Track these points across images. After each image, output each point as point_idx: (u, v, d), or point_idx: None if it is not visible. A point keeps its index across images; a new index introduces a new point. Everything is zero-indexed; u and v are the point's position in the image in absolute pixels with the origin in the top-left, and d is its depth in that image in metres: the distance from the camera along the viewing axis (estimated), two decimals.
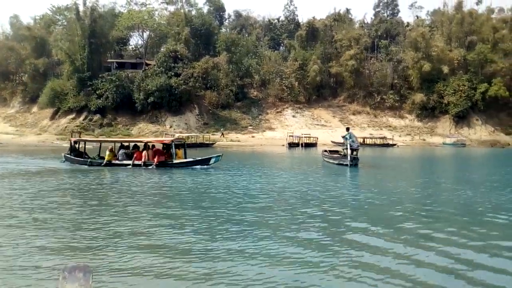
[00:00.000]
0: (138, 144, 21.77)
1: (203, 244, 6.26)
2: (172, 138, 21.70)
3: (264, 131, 65.13)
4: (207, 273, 5.06)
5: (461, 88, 70.52)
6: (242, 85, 73.49)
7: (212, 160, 20.04)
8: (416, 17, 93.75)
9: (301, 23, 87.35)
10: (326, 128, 68.12)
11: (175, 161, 19.69)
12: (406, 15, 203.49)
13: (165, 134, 50.63)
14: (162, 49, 70.25)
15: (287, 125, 67.88)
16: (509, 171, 20.92)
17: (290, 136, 52.85)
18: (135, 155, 19.70)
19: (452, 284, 4.89)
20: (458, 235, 6.88)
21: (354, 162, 21.22)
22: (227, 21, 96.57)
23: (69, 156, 21.42)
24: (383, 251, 6.02)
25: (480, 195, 11.60)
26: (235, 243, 6.34)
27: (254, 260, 5.59)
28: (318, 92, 77.20)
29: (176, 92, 61.71)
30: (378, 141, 59.34)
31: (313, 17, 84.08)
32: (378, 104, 75.71)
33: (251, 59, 75.20)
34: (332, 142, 53.17)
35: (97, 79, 63.39)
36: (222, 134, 58.96)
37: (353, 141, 21.58)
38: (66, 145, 46.04)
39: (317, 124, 69.82)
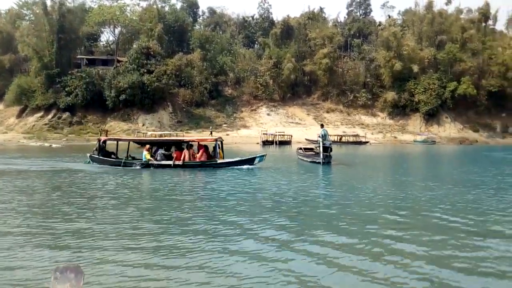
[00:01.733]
0: (179, 143, 20.20)
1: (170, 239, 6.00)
2: (216, 137, 20.04)
3: (239, 129, 64.90)
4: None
5: (431, 87, 72.31)
6: (217, 83, 72.95)
7: (257, 160, 19.06)
8: (388, 17, 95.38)
9: (276, 21, 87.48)
10: (301, 126, 68.46)
11: (219, 161, 18.66)
12: (378, 15, 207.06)
13: (137, 132, 49.69)
14: (134, 46, 68.86)
15: (262, 123, 67.88)
16: (477, 168, 21.40)
17: (264, 134, 52.88)
18: (175, 155, 18.43)
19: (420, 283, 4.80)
20: (422, 233, 6.86)
21: (327, 160, 21.22)
22: (201, 18, 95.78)
23: (96, 156, 19.38)
24: (347, 249, 5.92)
25: (449, 192, 11.74)
26: (197, 242, 6.11)
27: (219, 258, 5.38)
28: (293, 90, 77.59)
29: (148, 89, 60.63)
30: (351, 139, 60.08)
31: (288, 16, 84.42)
32: (351, 102, 76.73)
33: (226, 57, 74.74)
34: (307, 139, 53.38)
35: (66, 76, 61.56)
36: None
37: (325, 139, 21.61)
38: (34, 144, 44.86)
39: (292, 122, 70.12)
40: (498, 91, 72.81)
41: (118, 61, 68.19)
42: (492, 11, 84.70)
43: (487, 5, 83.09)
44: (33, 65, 64.92)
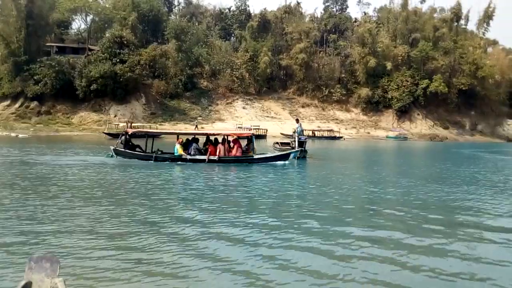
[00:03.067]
0: (212, 137, 19.28)
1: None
2: (251, 132, 18.99)
3: (214, 122, 64.29)
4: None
5: (404, 84, 73.72)
6: (192, 75, 71.87)
7: (291, 156, 18.67)
8: (363, 13, 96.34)
9: (253, 14, 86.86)
10: (276, 120, 68.45)
11: (255, 156, 18.07)
12: (354, 11, 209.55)
13: (109, 123, 48.41)
14: (106, 34, 66.90)
15: (237, 117, 67.49)
16: (447, 165, 21.79)
17: (239, 127, 52.47)
18: (209, 150, 17.64)
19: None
20: (392, 230, 6.76)
21: (302, 154, 21.20)
22: (176, 8, 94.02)
23: (122, 150, 18.16)
24: (317, 248, 5.74)
25: (421, 189, 11.78)
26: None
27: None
28: (269, 84, 77.51)
29: (121, 79, 59.05)
30: (325, 134, 60.53)
31: (265, 9, 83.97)
32: (326, 97, 77.26)
33: (201, 48, 73.72)
34: (282, 134, 53.43)
35: (35, 64, 59.06)
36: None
37: (300, 134, 21.61)
38: (6, 133, 42.97)
39: (267, 116, 70.02)
40: (468, 90, 74.93)
41: (90, 50, 66.13)
42: (464, 11, 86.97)
43: (459, 5, 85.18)
44: (0, 52, 62.14)
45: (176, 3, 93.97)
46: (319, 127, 64.87)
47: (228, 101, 72.48)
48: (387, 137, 65.67)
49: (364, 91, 74.80)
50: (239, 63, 74.43)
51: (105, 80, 58.11)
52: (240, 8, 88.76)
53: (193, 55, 71.37)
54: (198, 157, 17.44)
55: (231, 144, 18.38)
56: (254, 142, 18.23)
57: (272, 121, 67.31)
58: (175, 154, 17.53)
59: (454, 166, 20.57)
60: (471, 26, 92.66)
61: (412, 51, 76.40)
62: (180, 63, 68.01)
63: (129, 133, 18.89)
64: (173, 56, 66.60)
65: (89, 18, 73.01)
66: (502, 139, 76.32)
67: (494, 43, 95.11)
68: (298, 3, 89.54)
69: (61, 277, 2.83)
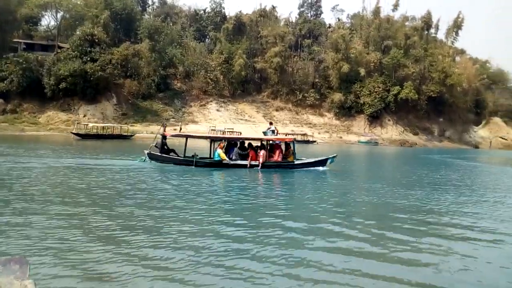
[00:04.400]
0: (253, 142, 18.60)
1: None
2: (293, 137, 18.32)
3: (187, 124, 63.39)
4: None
5: (376, 90, 75.07)
6: (165, 76, 70.84)
7: (328, 161, 18.23)
8: (337, 20, 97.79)
9: (228, 16, 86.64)
10: (250, 123, 68.31)
11: (296, 162, 17.57)
12: (328, 17, 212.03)
13: (77, 123, 46.95)
14: (77, 32, 64.98)
15: (211, 119, 66.95)
16: (417, 170, 22.12)
17: (212, 130, 52.03)
18: (250, 155, 16.96)
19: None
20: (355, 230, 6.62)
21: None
22: (150, 7, 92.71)
23: (158, 154, 17.17)
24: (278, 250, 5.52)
25: (394, 193, 11.78)
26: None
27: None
28: (243, 87, 77.40)
29: (91, 78, 57.49)
30: (299, 138, 60.73)
31: (240, 12, 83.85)
32: (299, 101, 77.82)
33: (175, 49, 72.80)
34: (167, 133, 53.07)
35: (0, 60, 56.83)
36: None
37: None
38: None
39: (241, 119, 69.78)
40: (437, 97, 77.04)
41: (60, 47, 64.18)
42: (434, 20, 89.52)
43: (429, 14, 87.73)
44: None
45: (150, 2, 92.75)
46: (292, 131, 65.09)
47: (202, 103, 71.82)
48: (358, 141, 66.62)
49: (337, 96, 75.77)
50: (213, 65, 73.98)
51: (75, 79, 56.45)
52: (216, 10, 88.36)
53: (167, 55, 70.38)
54: (239, 162, 16.81)
55: (272, 149, 17.86)
56: (294, 148, 17.70)
57: (246, 124, 67.12)
58: (215, 158, 16.77)
59: (428, 171, 20.88)
60: (441, 35, 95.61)
61: (384, 58, 77.96)
62: (153, 63, 66.92)
63: (168, 136, 18.09)
64: (146, 56, 65.44)
65: (59, 15, 70.93)
66: (469, 146, 78.83)
67: (462, 52, 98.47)
68: (274, 7, 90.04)
69: (32, 279, 2.67)
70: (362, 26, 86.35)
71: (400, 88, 74.87)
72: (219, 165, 16.55)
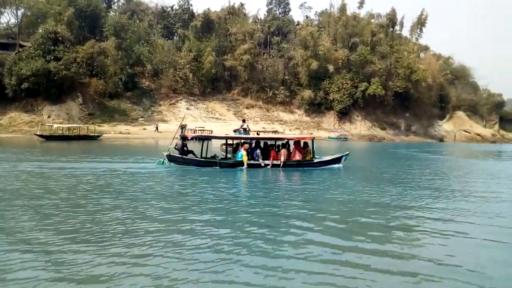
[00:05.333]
0: (274, 141, 18.75)
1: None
2: (312, 136, 19.42)
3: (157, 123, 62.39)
4: None
5: (344, 86, 76.18)
6: (133, 74, 69.37)
7: (343, 159, 18.76)
8: (305, 17, 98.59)
9: (196, 14, 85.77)
10: (221, 121, 67.89)
11: (315, 161, 17.90)
12: (296, 14, 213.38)
13: (41, 124, 45.31)
14: (40, 30, 62.67)
15: (181, 118, 65.99)
16: (387, 163, 22.54)
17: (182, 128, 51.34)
18: (271, 154, 17.13)
19: None
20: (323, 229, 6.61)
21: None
22: (116, 4, 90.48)
23: (179, 156, 16.76)
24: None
25: (364, 188, 11.90)
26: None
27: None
28: (213, 85, 76.84)
29: (55, 78, 55.58)
30: (270, 135, 60.85)
31: (208, 9, 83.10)
32: (270, 98, 78.03)
33: (143, 47, 71.38)
34: (227, 135, 52.89)
35: None
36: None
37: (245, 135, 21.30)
38: None
39: (212, 117, 69.25)
40: (403, 92, 78.98)
41: (21, 46, 61.73)
42: (399, 17, 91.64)
43: (394, 11, 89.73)
44: None
45: None
46: (264, 128, 65.08)
47: (171, 102, 70.80)
48: (328, 137, 67.40)
49: (307, 93, 76.43)
50: (182, 63, 73.03)
51: (38, 79, 54.44)
52: (183, 7, 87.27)
53: (134, 53, 68.91)
54: (262, 162, 16.96)
55: (291, 148, 18.22)
56: (314, 146, 18.07)
57: (217, 122, 66.68)
58: (238, 159, 16.74)
59: (396, 164, 21.30)
60: (405, 32, 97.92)
61: (352, 55, 79.17)
62: (120, 62, 65.36)
63: (189, 137, 17.82)
64: (113, 54, 63.80)
65: (20, 12, 68.29)
66: (434, 139, 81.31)
67: (426, 48, 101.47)
68: (242, 4, 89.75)
69: None
70: (330, 23, 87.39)
71: (367, 84, 76.29)
72: (241, 165, 16.59)
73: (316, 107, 77.74)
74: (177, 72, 72.23)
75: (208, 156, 17.56)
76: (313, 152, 18.01)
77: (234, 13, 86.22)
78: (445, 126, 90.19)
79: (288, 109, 78.11)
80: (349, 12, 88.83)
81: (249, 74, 77.35)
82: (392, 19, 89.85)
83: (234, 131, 20.62)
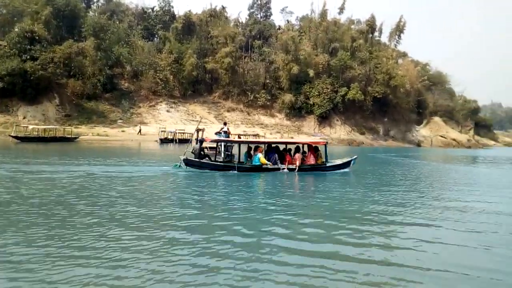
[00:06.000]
0: (289, 145, 19.11)
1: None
2: (326, 140, 20.25)
3: (136, 125, 61.52)
4: None
5: (324, 91, 76.85)
6: (112, 75, 68.30)
7: (352, 163, 19.24)
8: (287, 21, 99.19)
9: (177, 16, 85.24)
10: (201, 124, 67.37)
11: (328, 165, 18.13)
12: (278, 19, 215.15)
13: (16, 125, 44.05)
14: (16, 29, 61.02)
15: (161, 120, 65.42)
16: (368, 168, 22.77)
17: (162, 131, 50.69)
18: (287, 159, 17.32)
19: None
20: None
21: (228, 158, 20.80)
22: (95, 4, 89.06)
23: (196, 160, 16.70)
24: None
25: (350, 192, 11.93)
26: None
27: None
28: (194, 88, 76.38)
29: (31, 78, 54.23)
30: (251, 138, 60.75)
31: (189, 11, 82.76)
32: (251, 102, 78.07)
33: (123, 48, 70.42)
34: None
35: None
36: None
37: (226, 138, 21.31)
38: None
39: (192, 120, 68.74)
40: (382, 98, 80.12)
41: None
42: (378, 24, 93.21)
43: (373, 18, 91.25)
44: None
45: None
46: (244, 131, 65.04)
47: (151, 104, 70.01)
48: None
49: (288, 97, 76.78)
50: (163, 65, 72.40)
51: (13, 78, 53.04)
52: (164, 8, 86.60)
53: (113, 54, 67.89)
54: (278, 165, 17.10)
55: (305, 152, 18.48)
56: (327, 150, 18.36)
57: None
58: (254, 163, 16.88)
59: (375, 168, 21.52)
60: (384, 38, 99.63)
61: (332, 60, 79.95)
62: (99, 62, 64.28)
63: (208, 141, 17.92)
64: (91, 55, 62.70)
65: None
66: (411, 144, 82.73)
67: (404, 55, 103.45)
68: (224, 7, 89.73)
69: None
70: (311, 28, 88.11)
71: (347, 89, 77.15)
72: (259, 169, 16.74)
73: (297, 111, 78.15)
74: (158, 74, 71.53)
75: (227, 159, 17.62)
76: (326, 156, 18.33)
77: (216, 16, 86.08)
78: (422, 131, 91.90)
79: (269, 113, 78.28)
80: (329, 17, 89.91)
81: (230, 77, 77.25)
82: (371, 26, 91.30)
83: (216, 133, 20.53)
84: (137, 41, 75.90)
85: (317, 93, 77.05)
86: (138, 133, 55.85)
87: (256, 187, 13.07)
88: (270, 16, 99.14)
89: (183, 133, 53.29)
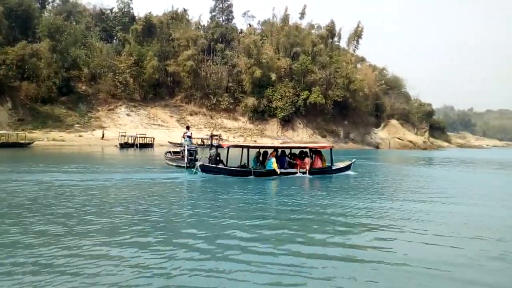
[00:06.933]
0: (298, 150, 19.96)
1: None
2: (331, 145, 22.61)
3: (94, 130, 59.61)
4: None
5: (287, 94, 77.68)
6: (68, 78, 65.88)
7: (352, 166, 20.43)
8: (248, 25, 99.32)
9: (137, 17, 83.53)
10: (163, 128, 66.40)
11: (334, 168, 19.30)
12: (240, 22, 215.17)
13: None
14: None
15: (121, 124, 63.74)
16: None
17: (122, 135, 49.28)
18: (298, 163, 18.08)
19: None
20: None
21: (192, 163, 20.65)
22: (50, 4, 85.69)
23: (213, 166, 17.12)
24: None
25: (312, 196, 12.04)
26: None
27: None
28: (155, 91, 75.03)
29: None
30: (215, 142, 60.36)
31: (150, 13, 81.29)
32: (214, 106, 77.69)
33: (80, 50, 68.15)
34: (170, 142, 51.92)
35: None
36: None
37: (189, 142, 21.35)
38: None
39: (154, 124, 67.52)
40: (342, 101, 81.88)
41: None
42: (337, 29, 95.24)
43: (333, 23, 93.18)
44: None
45: None
46: (207, 135, 64.46)
47: (110, 108, 68.10)
48: None
49: (251, 101, 76.97)
50: (122, 67, 70.69)
51: None
52: (123, 10, 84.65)
53: (70, 56, 65.51)
54: (291, 170, 17.76)
55: (313, 156, 19.23)
56: (332, 154, 19.47)
57: (159, 129, 65.12)
58: (268, 167, 17.32)
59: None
60: (343, 43, 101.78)
61: (294, 64, 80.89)
62: (55, 65, 61.83)
63: (225, 147, 18.21)
64: (46, 57, 60.21)
65: None
66: (371, 146, 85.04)
67: (362, 59, 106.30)
68: (185, 10, 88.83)
69: None
70: (272, 32, 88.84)
71: (309, 93, 78.28)
72: (273, 173, 17.15)
73: (260, 115, 78.48)
74: (117, 77, 69.78)
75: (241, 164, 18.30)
76: (332, 160, 19.35)
77: (177, 18, 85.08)
78: (380, 134, 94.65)
79: (232, 116, 78.15)
80: (291, 22, 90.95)
81: (193, 81, 76.54)
82: (331, 31, 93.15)
83: (182, 137, 20.63)
84: (95, 43, 73.70)
85: (279, 97, 77.72)
86: (101, 138, 54.17)
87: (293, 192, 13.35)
88: (232, 19, 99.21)
89: (144, 137, 52.16)
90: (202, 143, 55.41)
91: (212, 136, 19.56)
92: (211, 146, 18.56)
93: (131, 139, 50.21)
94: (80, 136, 55.10)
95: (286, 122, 78.70)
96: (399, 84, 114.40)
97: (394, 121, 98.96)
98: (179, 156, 23.23)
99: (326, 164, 19.20)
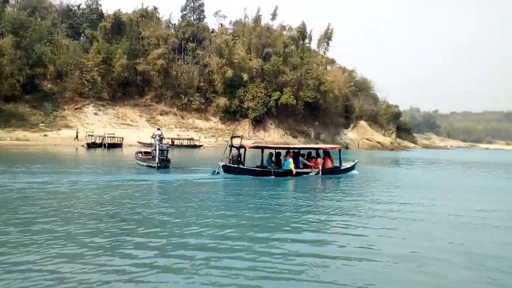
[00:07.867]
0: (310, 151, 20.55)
1: None
2: (340, 146, 24.14)
3: (60, 129, 57.78)
4: None
5: (258, 95, 77.85)
6: (33, 75, 63.61)
7: (355, 166, 21.02)
8: (220, 25, 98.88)
9: (105, 14, 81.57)
10: (133, 127, 65.16)
11: (342, 168, 20.02)
12: (211, 22, 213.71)
13: None
14: None
15: (88, 123, 62.10)
16: None
17: (89, 135, 47.85)
18: (311, 163, 18.78)
19: None
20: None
21: (163, 163, 20.48)
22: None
23: (235, 166, 17.37)
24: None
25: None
26: None
27: None
28: (124, 90, 73.57)
29: None
30: (185, 142, 59.83)
31: (119, 10, 79.59)
32: (185, 105, 76.92)
33: (45, 47, 65.85)
34: (139, 142, 50.99)
35: None
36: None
37: (160, 142, 21.28)
38: None
39: (123, 123, 66.16)
40: (313, 102, 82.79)
41: None
42: (308, 31, 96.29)
43: (304, 25, 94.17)
44: None
45: None
46: (178, 135, 63.86)
47: (77, 106, 66.26)
48: None
49: (222, 101, 76.68)
50: (90, 65, 68.90)
51: None
52: (91, 6, 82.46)
53: (34, 53, 63.25)
54: (306, 170, 18.37)
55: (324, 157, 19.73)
56: (341, 155, 20.40)
57: (129, 128, 63.85)
58: (285, 167, 17.81)
59: None
60: (314, 45, 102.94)
61: (265, 64, 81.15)
62: (18, 61, 59.53)
63: (247, 148, 18.67)
64: (9, 53, 57.90)
65: None
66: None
67: (333, 61, 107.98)
68: (155, 8, 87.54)
69: None
70: (244, 33, 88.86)
71: (280, 94, 78.73)
72: (290, 173, 17.64)
73: (231, 115, 78.29)
74: (84, 75, 67.96)
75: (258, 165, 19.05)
76: (340, 160, 20.20)
77: (147, 16, 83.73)
78: (349, 135, 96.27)
79: (204, 116, 77.60)
80: (263, 23, 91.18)
81: (163, 80, 75.51)
82: (302, 32, 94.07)
83: (152, 137, 20.48)
84: (62, 40, 71.41)
85: (251, 97, 77.78)
86: (75, 138, 52.42)
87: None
88: (203, 19, 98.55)
89: (112, 137, 50.90)
90: (172, 143, 54.99)
91: (233, 137, 19.58)
92: (231, 147, 18.51)
93: (99, 139, 48.87)
94: (45, 135, 53.27)
95: (258, 123, 78.85)
96: (367, 86, 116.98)
97: (363, 122, 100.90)
98: (150, 156, 22.86)
99: (335, 164, 19.98)
